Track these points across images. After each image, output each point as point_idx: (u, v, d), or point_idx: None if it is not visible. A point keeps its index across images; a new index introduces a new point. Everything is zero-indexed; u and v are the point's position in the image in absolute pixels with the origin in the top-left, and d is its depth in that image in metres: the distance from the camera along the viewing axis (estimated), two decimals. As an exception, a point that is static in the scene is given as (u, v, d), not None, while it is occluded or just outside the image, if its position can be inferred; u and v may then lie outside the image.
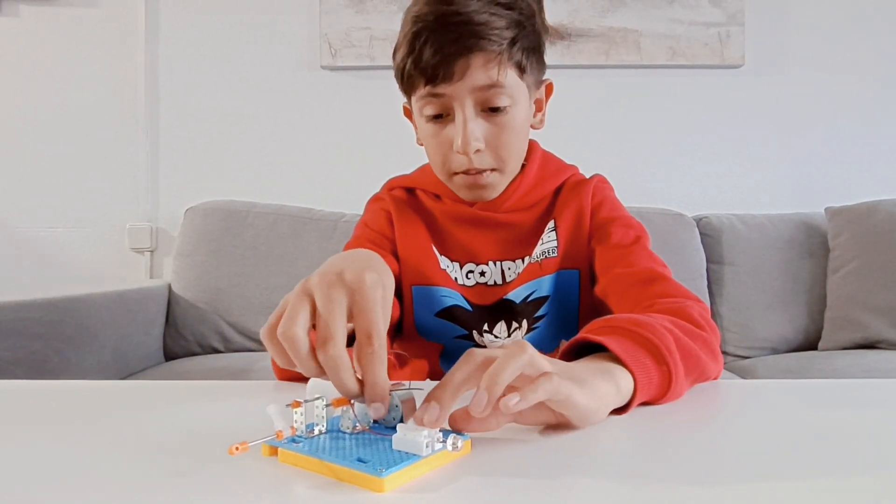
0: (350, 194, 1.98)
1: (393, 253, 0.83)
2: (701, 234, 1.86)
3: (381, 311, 0.40)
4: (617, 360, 0.49)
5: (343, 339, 0.39)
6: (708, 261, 1.84)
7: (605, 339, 0.50)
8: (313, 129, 2.03)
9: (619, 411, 0.49)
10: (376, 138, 1.99)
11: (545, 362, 0.43)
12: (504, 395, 0.39)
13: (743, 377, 1.54)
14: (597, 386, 0.45)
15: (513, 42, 0.70)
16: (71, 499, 0.34)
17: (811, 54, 2.03)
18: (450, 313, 0.81)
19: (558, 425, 0.45)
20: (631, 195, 1.98)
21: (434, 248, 0.82)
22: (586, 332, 0.53)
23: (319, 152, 2.03)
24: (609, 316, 0.57)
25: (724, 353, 1.78)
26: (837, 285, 1.74)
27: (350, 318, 0.40)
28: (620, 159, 2.03)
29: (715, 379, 0.61)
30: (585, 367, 0.48)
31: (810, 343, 1.77)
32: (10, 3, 2.00)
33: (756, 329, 1.77)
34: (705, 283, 1.82)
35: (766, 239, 1.83)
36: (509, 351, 0.41)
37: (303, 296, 0.41)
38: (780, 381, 0.63)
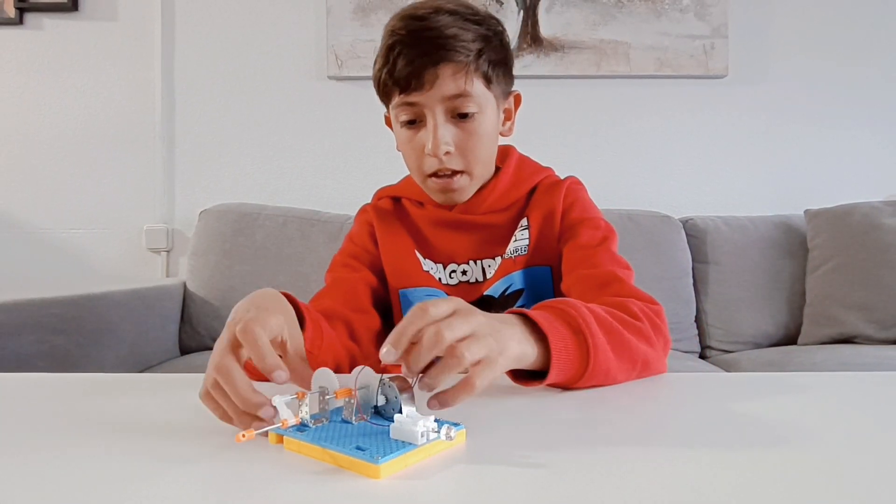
0: (355, 197, 1.97)
1: (371, 265, 0.85)
2: (687, 234, 1.86)
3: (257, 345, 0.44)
4: (536, 330, 0.52)
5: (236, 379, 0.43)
6: (693, 260, 1.84)
7: (529, 312, 0.53)
8: (320, 136, 2.03)
9: (538, 378, 0.52)
10: (379, 144, 1.99)
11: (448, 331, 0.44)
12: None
13: (727, 370, 1.53)
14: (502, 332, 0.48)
15: (479, 54, 0.72)
16: (88, 483, 0.34)
17: (791, 65, 2.02)
18: None
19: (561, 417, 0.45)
20: (620, 198, 1.99)
21: (417, 253, 0.84)
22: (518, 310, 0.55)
23: (326, 157, 2.03)
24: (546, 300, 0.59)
25: (709, 347, 1.78)
26: (816, 283, 1.74)
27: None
28: (611, 164, 2.03)
29: (661, 371, 0.62)
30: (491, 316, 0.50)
31: (790, 338, 1.77)
32: (34, 17, 2.00)
33: (739, 325, 1.77)
34: (691, 281, 1.81)
35: (748, 239, 1.83)
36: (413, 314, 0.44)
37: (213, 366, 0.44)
38: (762, 374, 0.63)
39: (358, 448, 0.35)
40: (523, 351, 0.50)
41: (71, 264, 2.00)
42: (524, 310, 0.53)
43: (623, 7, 1.98)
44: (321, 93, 2.02)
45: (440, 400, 0.43)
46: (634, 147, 2.03)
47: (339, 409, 0.42)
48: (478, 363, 0.44)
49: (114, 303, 1.49)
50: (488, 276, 0.82)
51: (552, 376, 0.51)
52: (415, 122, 0.75)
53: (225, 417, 0.43)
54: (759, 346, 1.76)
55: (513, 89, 0.81)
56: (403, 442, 0.36)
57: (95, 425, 0.45)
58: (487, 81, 0.74)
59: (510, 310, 0.54)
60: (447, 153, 0.73)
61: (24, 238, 2.00)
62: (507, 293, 0.81)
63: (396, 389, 0.41)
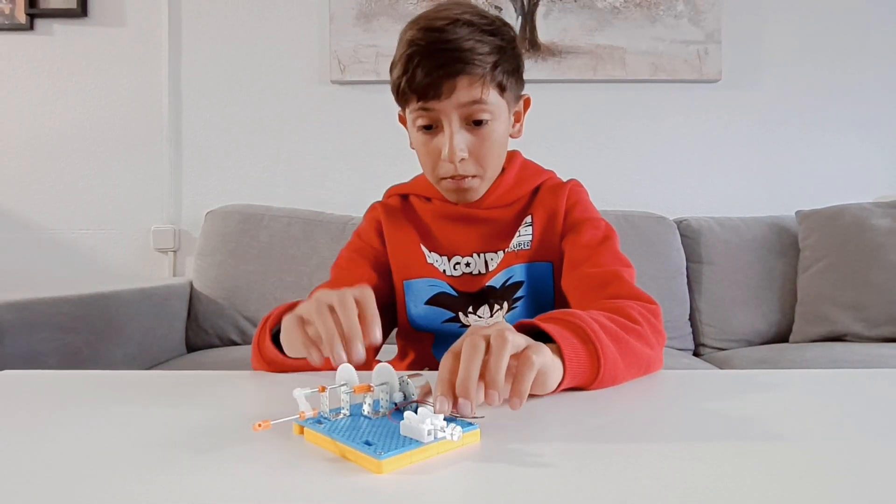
0: (357, 198, 1.99)
1: (373, 262, 0.86)
2: (681, 235, 1.86)
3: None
4: (551, 342, 0.52)
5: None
6: (688, 260, 1.84)
7: (542, 324, 0.54)
8: (324, 139, 2.03)
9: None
10: (381, 147, 1.99)
11: (521, 339, 0.47)
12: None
13: (720, 368, 1.54)
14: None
15: (494, 65, 0.73)
16: (107, 473, 0.34)
17: (782, 70, 2.03)
18: (437, 300, 0.84)
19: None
20: (616, 199, 2.00)
21: (422, 246, 0.85)
22: (529, 321, 0.56)
23: (329, 159, 2.03)
24: (550, 312, 0.60)
25: (702, 345, 1.79)
26: (807, 283, 1.74)
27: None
28: (607, 166, 2.03)
29: (658, 368, 0.63)
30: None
31: (782, 336, 1.77)
32: (44, 22, 2.00)
33: (732, 323, 1.77)
34: (685, 280, 1.82)
35: (741, 240, 1.83)
36: (496, 345, 0.44)
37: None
38: (755, 371, 0.63)
39: (366, 443, 0.35)
40: (552, 359, 0.50)
41: (80, 264, 2.00)
42: (532, 321, 0.54)
43: (619, 13, 1.98)
44: (324, 97, 2.02)
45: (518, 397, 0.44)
46: (630, 149, 2.04)
47: (358, 405, 0.43)
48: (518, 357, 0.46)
49: (122, 302, 1.49)
50: (490, 268, 0.84)
51: (565, 384, 0.52)
52: (431, 127, 0.76)
53: (308, 343, 0.49)
54: (751, 343, 1.77)
55: (523, 93, 0.83)
56: (411, 439, 0.36)
57: (106, 420, 0.45)
58: (502, 90, 0.75)
59: (518, 322, 0.54)
60: (462, 160, 0.75)
61: (35, 238, 2.00)
62: (507, 284, 0.82)
63: (414, 387, 0.42)
